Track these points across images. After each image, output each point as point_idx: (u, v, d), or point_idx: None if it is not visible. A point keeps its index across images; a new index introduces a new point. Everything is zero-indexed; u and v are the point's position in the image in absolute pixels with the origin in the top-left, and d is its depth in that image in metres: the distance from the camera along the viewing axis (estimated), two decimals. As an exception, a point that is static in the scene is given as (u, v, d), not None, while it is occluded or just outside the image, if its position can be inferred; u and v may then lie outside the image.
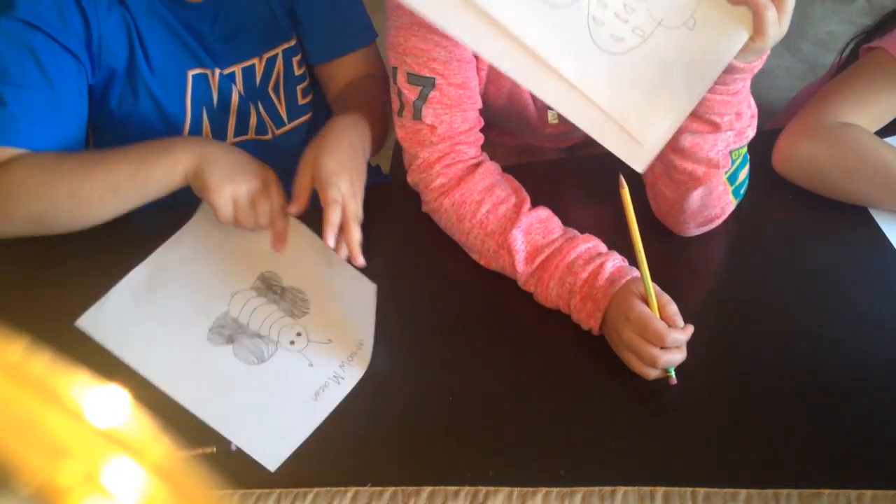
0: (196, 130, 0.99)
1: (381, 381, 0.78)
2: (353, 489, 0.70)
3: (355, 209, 0.81)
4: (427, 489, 0.69)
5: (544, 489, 0.68)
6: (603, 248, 0.81)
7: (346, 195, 0.81)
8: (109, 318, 0.81)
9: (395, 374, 0.78)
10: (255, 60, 1.00)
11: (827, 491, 0.66)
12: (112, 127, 0.98)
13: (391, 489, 0.69)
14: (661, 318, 0.73)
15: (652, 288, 0.73)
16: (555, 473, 0.70)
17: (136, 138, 0.89)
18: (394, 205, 0.94)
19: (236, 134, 1.02)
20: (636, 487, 0.67)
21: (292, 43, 1.02)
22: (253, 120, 1.02)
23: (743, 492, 0.66)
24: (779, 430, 0.71)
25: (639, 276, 0.75)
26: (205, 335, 0.82)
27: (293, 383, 0.79)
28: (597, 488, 0.68)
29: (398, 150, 1.28)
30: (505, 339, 0.80)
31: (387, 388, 0.77)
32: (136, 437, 0.23)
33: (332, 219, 0.79)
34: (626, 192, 0.72)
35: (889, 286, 0.82)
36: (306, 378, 0.79)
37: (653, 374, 0.74)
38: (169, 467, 0.23)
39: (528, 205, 0.84)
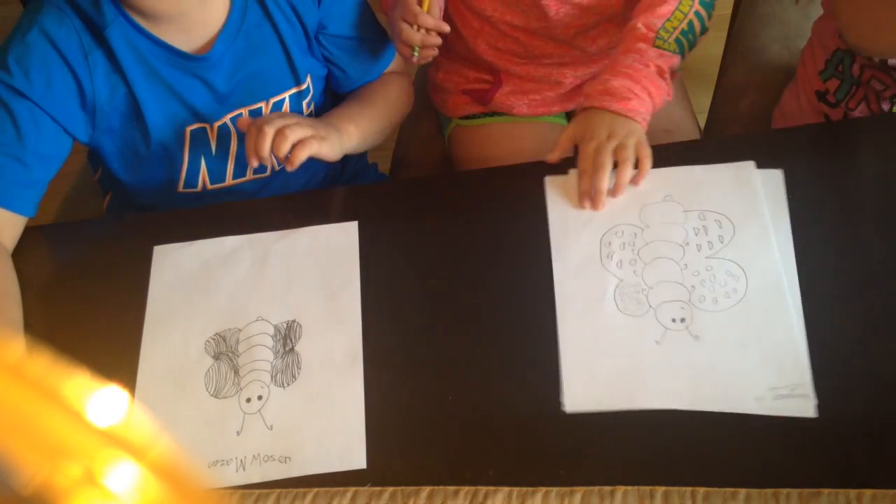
0: (193, 176, 1.00)
1: (380, 381, 0.78)
2: (353, 489, 0.70)
3: (263, 123, 0.86)
4: (426, 489, 0.69)
5: (544, 489, 0.68)
6: None
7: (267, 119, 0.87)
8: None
9: (394, 374, 0.78)
10: (262, 104, 0.99)
11: (827, 491, 0.66)
12: (115, 169, 1.00)
13: (391, 489, 0.69)
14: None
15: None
16: (555, 473, 0.69)
17: (137, 182, 0.99)
18: (393, 204, 0.94)
19: (235, 176, 1.03)
20: (636, 487, 0.67)
21: (302, 87, 1.01)
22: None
23: (742, 491, 0.66)
24: (779, 430, 0.71)
25: None
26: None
27: (210, 437, 0.75)
28: (596, 488, 0.68)
29: (398, 150, 1.28)
30: (506, 339, 0.80)
31: (386, 387, 0.77)
32: (136, 437, 0.23)
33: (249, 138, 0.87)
34: None
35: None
36: (221, 442, 0.75)
37: (402, 47, 0.96)
38: (169, 467, 0.23)
39: None
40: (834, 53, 1.04)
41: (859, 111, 1.03)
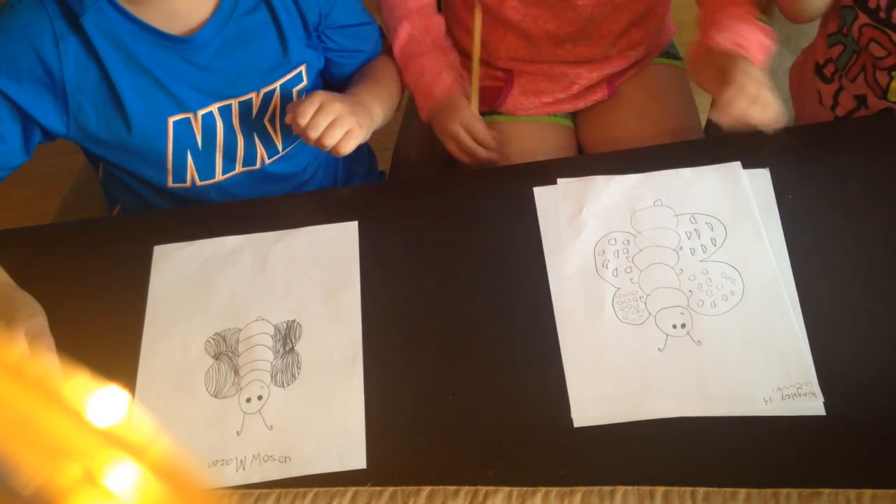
0: (180, 171, 0.98)
1: (380, 381, 0.78)
2: (353, 489, 0.70)
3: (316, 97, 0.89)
4: (427, 489, 0.69)
5: (544, 489, 0.68)
6: (448, 66, 1.10)
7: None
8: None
9: (394, 374, 0.78)
10: (253, 94, 0.97)
11: (827, 490, 0.66)
12: (106, 161, 0.99)
13: (391, 489, 0.69)
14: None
15: (476, 106, 1.06)
16: (555, 473, 0.70)
17: (131, 175, 0.99)
18: (393, 204, 0.94)
19: (224, 171, 1.01)
20: (636, 487, 0.67)
21: (295, 74, 0.99)
22: (240, 153, 1.01)
23: (742, 491, 0.66)
24: (779, 429, 0.71)
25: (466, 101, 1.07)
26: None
27: (210, 437, 0.75)
28: (596, 488, 0.68)
29: (397, 151, 1.28)
30: (505, 339, 0.80)
31: (386, 387, 0.77)
32: (136, 437, 0.23)
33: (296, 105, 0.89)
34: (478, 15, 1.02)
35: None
36: (221, 442, 0.75)
37: (465, 158, 1.05)
38: (169, 467, 0.23)
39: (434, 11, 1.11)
40: (842, 12, 1.02)
41: (857, 85, 1.02)
